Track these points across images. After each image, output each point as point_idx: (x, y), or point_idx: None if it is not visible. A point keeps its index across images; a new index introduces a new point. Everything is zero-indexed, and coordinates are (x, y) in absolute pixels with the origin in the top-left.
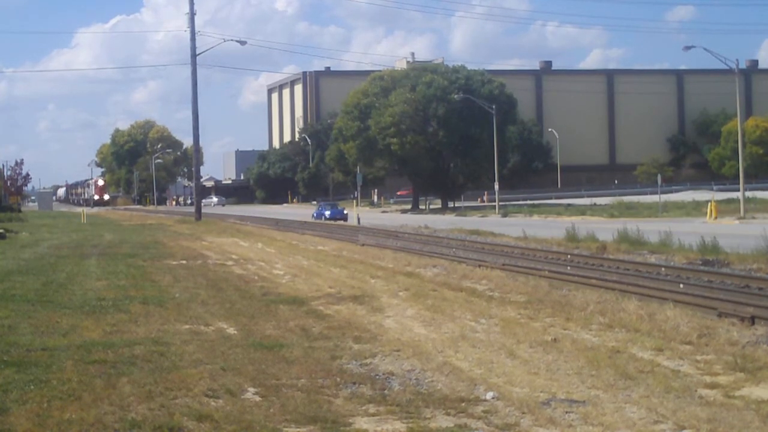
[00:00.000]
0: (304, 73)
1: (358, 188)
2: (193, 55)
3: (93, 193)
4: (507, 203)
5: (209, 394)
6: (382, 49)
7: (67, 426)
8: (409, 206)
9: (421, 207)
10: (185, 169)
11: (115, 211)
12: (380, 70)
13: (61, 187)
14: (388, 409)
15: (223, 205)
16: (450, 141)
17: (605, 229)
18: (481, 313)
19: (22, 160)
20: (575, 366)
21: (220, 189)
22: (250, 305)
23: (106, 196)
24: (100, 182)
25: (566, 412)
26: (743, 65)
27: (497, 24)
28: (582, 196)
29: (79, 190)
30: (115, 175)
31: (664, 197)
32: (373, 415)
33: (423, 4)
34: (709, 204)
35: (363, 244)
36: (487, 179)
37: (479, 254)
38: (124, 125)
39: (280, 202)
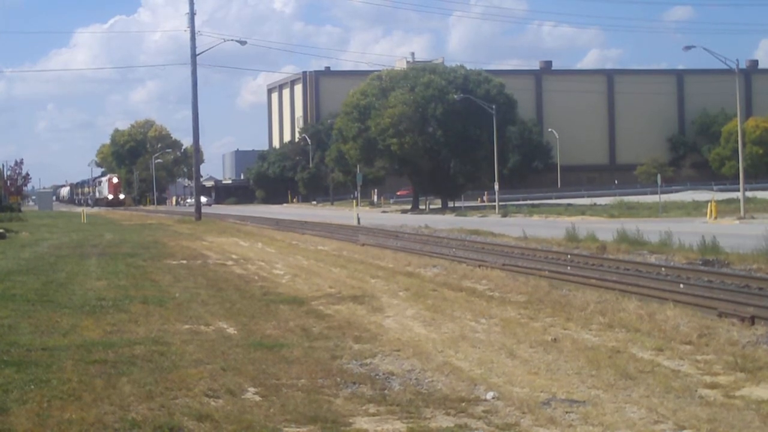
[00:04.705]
0: (304, 72)
1: (358, 188)
2: (193, 55)
3: (106, 192)
4: (507, 203)
5: (209, 394)
6: (381, 50)
7: (67, 426)
8: (409, 206)
9: (421, 207)
10: (185, 169)
11: (115, 211)
12: (379, 71)
13: (64, 186)
14: (388, 409)
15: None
16: (449, 141)
17: (605, 229)
18: (481, 313)
19: (22, 160)
20: (575, 366)
21: (220, 189)
22: (250, 305)
23: (121, 195)
24: (115, 179)
25: (566, 412)
26: (743, 65)
27: (495, 24)
28: (582, 196)
29: (87, 189)
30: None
31: (664, 197)
32: (374, 415)
33: (420, 4)
34: (709, 204)
35: (363, 244)
36: (486, 179)
37: (479, 254)
38: (123, 125)
39: (280, 202)
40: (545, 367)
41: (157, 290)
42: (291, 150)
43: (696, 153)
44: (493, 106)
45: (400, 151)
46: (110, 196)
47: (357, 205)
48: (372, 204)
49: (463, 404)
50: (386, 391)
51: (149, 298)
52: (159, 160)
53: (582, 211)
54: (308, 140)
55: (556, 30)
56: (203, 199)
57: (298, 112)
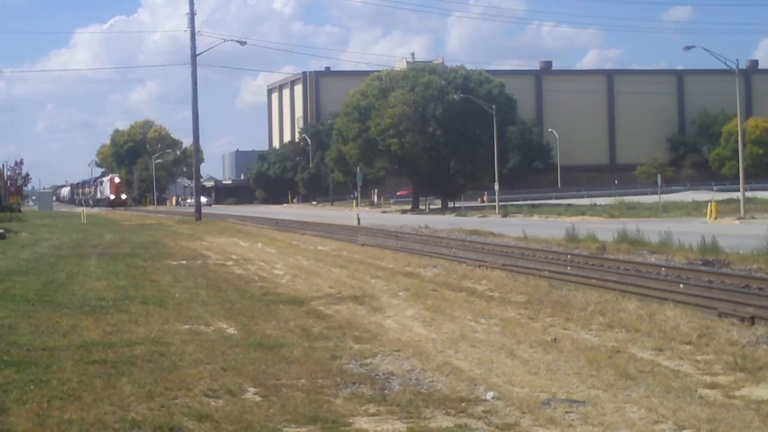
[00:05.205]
0: (304, 73)
1: (358, 188)
2: (193, 55)
3: (108, 192)
4: (507, 203)
5: (209, 394)
6: (380, 50)
7: (67, 426)
8: (409, 206)
9: (421, 207)
10: (185, 169)
11: (115, 211)
12: (379, 71)
13: (64, 186)
14: (388, 409)
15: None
16: (449, 141)
17: (605, 229)
18: (481, 313)
19: (22, 160)
20: (575, 366)
21: (220, 189)
22: (250, 305)
23: (123, 195)
24: (117, 179)
25: (566, 412)
26: (743, 65)
27: (494, 24)
28: (582, 196)
29: (88, 189)
30: None
31: (664, 197)
32: (373, 415)
33: (419, 4)
34: (709, 204)
35: (363, 244)
36: (486, 179)
37: (479, 254)
38: (122, 125)
39: (281, 202)
40: (545, 367)
41: (157, 290)
42: (291, 150)
43: (696, 153)
44: (493, 106)
45: (400, 151)
46: (112, 196)
47: (357, 205)
48: (372, 204)
49: (463, 404)
50: (386, 391)
51: (149, 299)
52: (159, 161)
53: (582, 211)
54: (308, 140)
55: (556, 30)
56: (203, 199)
57: (298, 112)
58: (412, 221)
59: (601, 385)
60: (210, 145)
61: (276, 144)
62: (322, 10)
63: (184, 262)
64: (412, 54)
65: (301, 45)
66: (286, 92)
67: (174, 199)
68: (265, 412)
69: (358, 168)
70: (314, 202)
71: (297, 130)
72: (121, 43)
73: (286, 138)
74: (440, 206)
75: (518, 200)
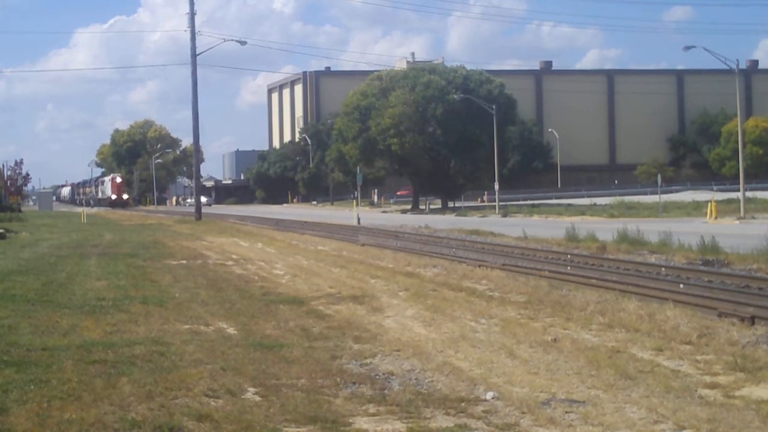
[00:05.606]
0: (305, 72)
1: (358, 188)
2: (193, 55)
3: (109, 192)
4: (507, 203)
5: (209, 394)
6: (380, 50)
7: (67, 426)
8: (409, 206)
9: (421, 207)
10: (185, 168)
11: (114, 211)
12: (379, 71)
13: (65, 186)
14: (388, 409)
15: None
16: (449, 141)
17: (605, 229)
18: (481, 313)
19: (22, 160)
20: (575, 366)
21: (220, 189)
22: (250, 305)
23: (125, 195)
24: (118, 179)
25: (566, 412)
26: (743, 65)
27: (494, 24)
28: (582, 196)
29: (89, 189)
30: None
31: (664, 197)
32: (373, 415)
33: (419, 4)
34: (709, 204)
35: (363, 244)
36: (486, 179)
37: (479, 254)
38: (122, 125)
39: (281, 202)
40: (545, 367)
41: (157, 290)
42: (291, 150)
43: (696, 153)
44: (493, 106)
45: (400, 151)
46: (114, 196)
47: (357, 205)
48: (372, 204)
49: (463, 404)
50: (386, 391)
51: (149, 298)
52: (159, 160)
53: (582, 211)
54: (308, 140)
55: (556, 30)
56: (203, 199)
57: (298, 112)
58: (412, 221)
59: (601, 385)
60: (210, 145)
61: (276, 144)
62: (322, 10)
63: (184, 262)
64: (412, 54)
65: (301, 45)
66: (286, 92)
67: (174, 199)
68: (265, 412)
69: (358, 168)
70: (314, 202)
71: (297, 130)
72: (121, 43)
73: (286, 138)
74: (440, 206)
75: (518, 200)
